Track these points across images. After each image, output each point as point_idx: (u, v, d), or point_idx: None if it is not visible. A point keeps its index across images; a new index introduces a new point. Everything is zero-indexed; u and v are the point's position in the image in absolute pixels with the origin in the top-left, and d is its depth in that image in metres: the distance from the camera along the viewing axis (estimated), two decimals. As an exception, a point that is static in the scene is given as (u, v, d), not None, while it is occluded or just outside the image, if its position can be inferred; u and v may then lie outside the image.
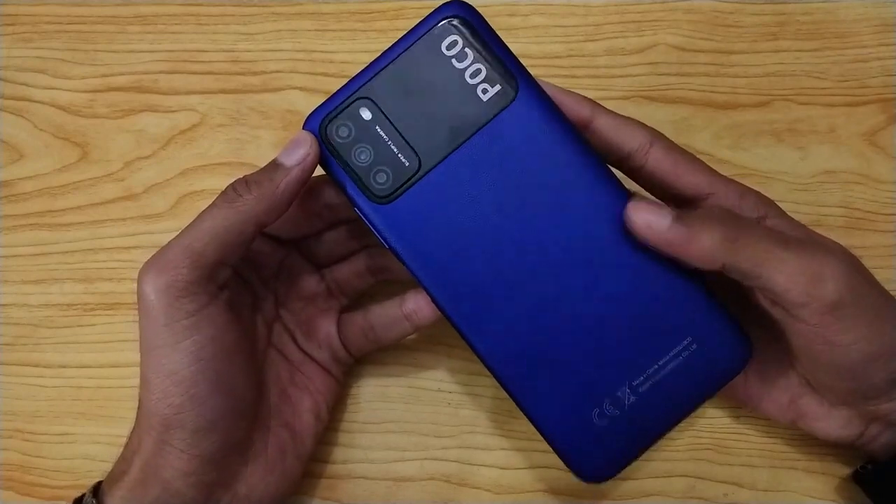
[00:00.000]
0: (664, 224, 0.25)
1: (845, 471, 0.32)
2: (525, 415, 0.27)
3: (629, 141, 0.27)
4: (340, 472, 0.33)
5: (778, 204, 0.29)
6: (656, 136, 0.28)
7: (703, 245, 0.25)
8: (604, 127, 0.27)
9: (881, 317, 0.26)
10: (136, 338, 0.34)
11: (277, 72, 0.37)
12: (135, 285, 0.35)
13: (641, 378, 0.27)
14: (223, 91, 0.37)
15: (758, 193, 0.28)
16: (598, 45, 0.36)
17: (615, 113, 0.28)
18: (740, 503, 0.32)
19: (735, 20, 0.36)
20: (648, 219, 0.25)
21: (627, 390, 0.27)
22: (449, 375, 0.34)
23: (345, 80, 0.36)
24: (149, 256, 0.35)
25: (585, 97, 0.27)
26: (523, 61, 0.26)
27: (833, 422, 0.29)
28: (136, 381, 0.34)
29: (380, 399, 0.34)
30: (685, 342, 0.27)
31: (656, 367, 0.27)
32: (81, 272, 0.35)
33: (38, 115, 0.37)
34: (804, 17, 0.36)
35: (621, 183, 0.27)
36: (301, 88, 0.36)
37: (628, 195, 0.26)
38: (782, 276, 0.25)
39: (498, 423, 0.33)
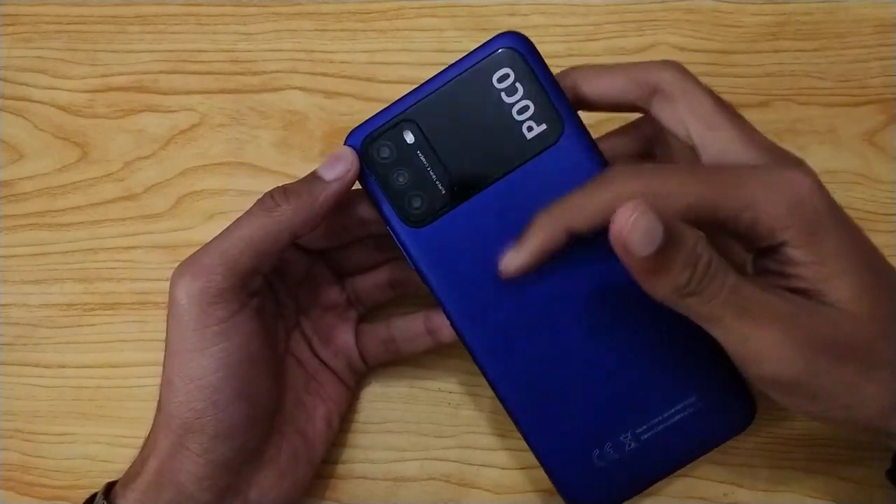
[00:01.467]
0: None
1: (845, 471, 0.32)
2: (527, 443, 0.27)
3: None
4: (341, 472, 0.33)
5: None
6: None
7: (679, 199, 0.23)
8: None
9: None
10: (135, 338, 0.35)
11: (277, 72, 0.37)
12: (134, 285, 0.35)
13: (645, 427, 0.27)
14: (223, 91, 0.36)
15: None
16: (598, 44, 0.36)
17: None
18: (740, 503, 0.32)
19: (735, 20, 0.36)
20: None
21: (630, 436, 0.27)
22: (449, 375, 0.33)
23: (344, 80, 0.37)
24: (149, 256, 0.36)
25: None
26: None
27: None
28: (136, 381, 0.34)
29: (380, 399, 0.34)
30: (692, 399, 0.27)
31: (661, 418, 0.27)
32: (81, 272, 0.35)
33: (38, 115, 0.37)
34: (804, 17, 0.36)
35: None
36: (301, 88, 0.36)
37: None
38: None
39: (498, 423, 0.33)
